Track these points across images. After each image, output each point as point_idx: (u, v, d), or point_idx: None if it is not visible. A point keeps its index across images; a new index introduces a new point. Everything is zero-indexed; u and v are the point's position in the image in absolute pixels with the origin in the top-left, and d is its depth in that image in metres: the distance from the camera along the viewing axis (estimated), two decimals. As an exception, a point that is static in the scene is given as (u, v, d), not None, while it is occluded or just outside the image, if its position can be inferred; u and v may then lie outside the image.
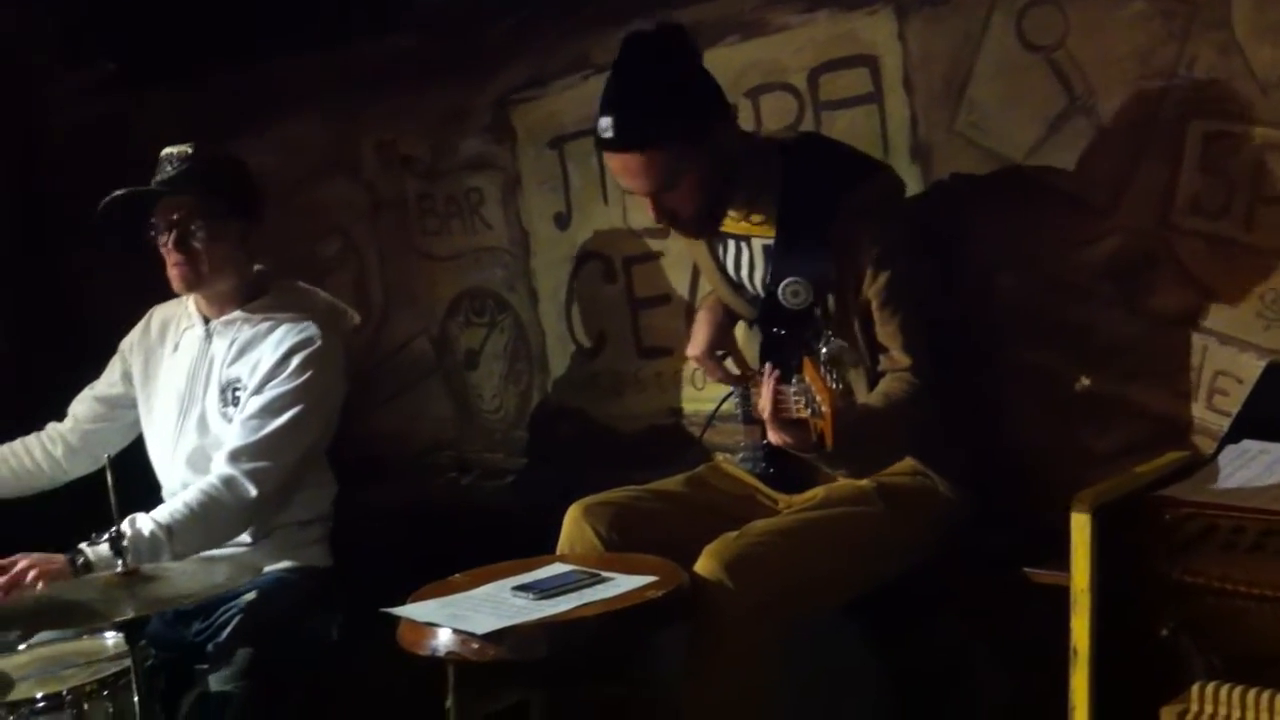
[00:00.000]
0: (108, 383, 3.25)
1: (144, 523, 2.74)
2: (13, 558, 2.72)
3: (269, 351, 2.97)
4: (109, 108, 4.38)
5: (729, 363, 2.76)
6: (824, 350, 2.15)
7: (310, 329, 2.98)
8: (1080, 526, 2.04)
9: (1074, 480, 2.41)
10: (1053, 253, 2.59)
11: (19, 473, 3.21)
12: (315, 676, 2.87)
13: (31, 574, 2.67)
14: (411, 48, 3.65)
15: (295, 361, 2.93)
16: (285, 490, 2.92)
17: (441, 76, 3.61)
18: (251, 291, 3.08)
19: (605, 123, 2.47)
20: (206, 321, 3.08)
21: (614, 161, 2.51)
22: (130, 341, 3.24)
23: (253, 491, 2.83)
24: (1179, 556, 2.06)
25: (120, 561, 2.36)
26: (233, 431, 2.92)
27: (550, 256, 3.54)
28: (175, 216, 2.95)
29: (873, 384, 2.53)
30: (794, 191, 2.56)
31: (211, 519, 2.81)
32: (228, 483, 2.83)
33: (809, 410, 2.16)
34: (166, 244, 2.96)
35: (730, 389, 2.79)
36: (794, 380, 2.21)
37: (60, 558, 2.71)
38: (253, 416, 2.90)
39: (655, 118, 2.46)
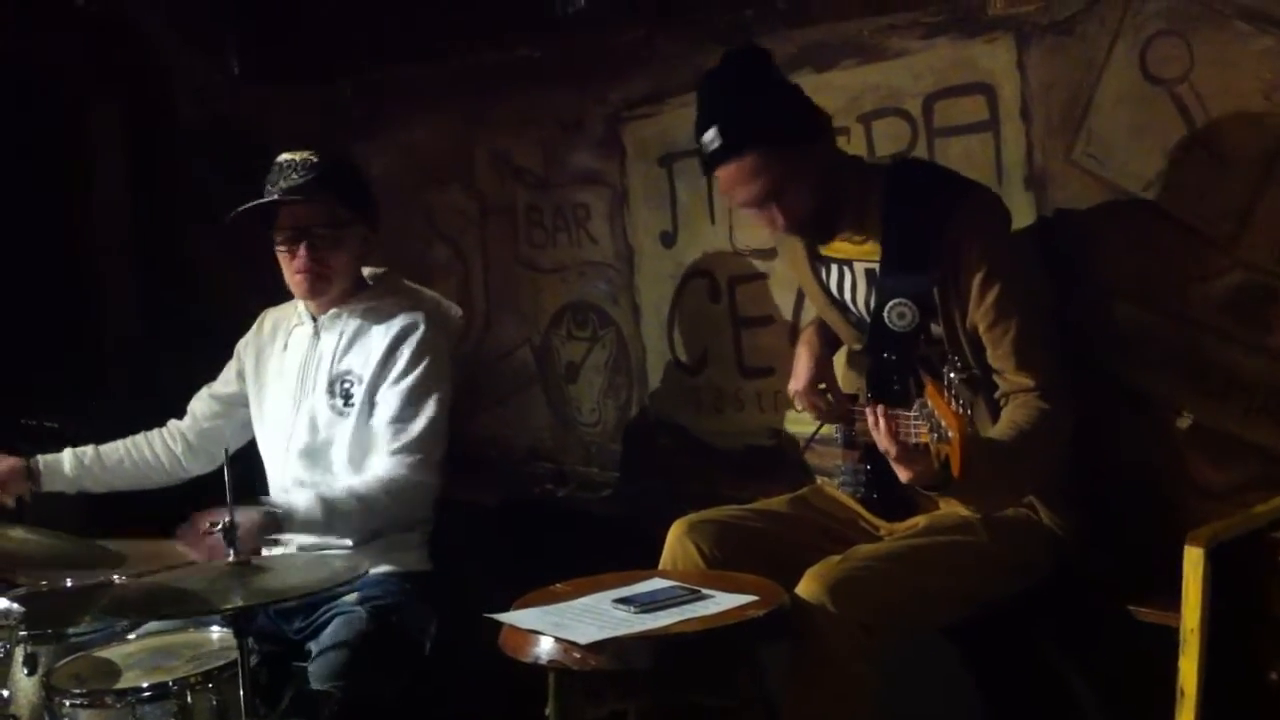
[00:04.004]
0: (223, 381, 3.34)
1: (307, 498, 2.87)
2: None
3: (377, 341, 3.04)
4: (235, 105, 4.49)
5: (830, 397, 2.75)
6: (950, 374, 2.14)
7: (414, 317, 3.06)
8: (1194, 564, 2.01)
9: (1185, 515, 2.40)
10: (1172, 284, 2.55)
11: (140, 465, 3.31)
12: (413, 678, 2.90)
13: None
14: (535, 58, 3.71)
15: (407, 352, 3.02)
16: (441, 471, 3.03)
17: (560, 88, 3.66)
18: (357, 288, 3.14)
19: (710, 135, 2.52)
20: (314, 319, 3.14)
21: (723, 175, 2.55)
22: (244, 342, 3.32)
23: (417, 479, 2.96)
24: (1293, 600, 2.03)
25: (232, 550, 2.42)
26: (382, 435, 2.99)
27: (654, 273, 3.56)
28: (305, 225, 3.01)
29: (994, 414, 2.51)
30: (896, 212, 2.56)
31: (376, 513, 2.92)
32: (392, 482, 2.93)
33: (934, 435, 2.15)
34: (295, 250, 3.02)
35: (832, 413, 2.79)
36: (915, 405, 2.20)
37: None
38: (396, 419, 2.98)
39: (758, 119, 2.50)
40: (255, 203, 3.01)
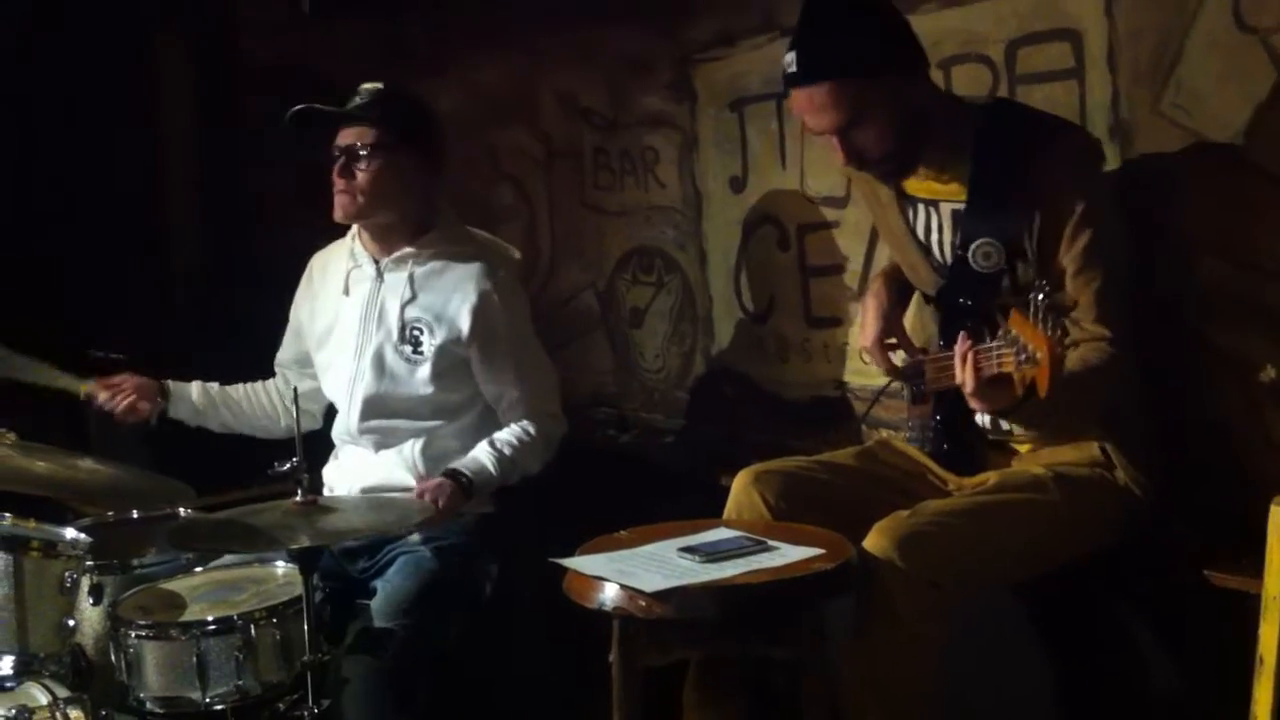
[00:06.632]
0: (285, 347, 3.34)
1: (489, 458, 2.99)
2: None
3: (453, 298, 3.02)
4: (300, 41, 4.48)
5: (896, 355, 2.71)
6: (1040, 298, 2.09)
7: (489, 275, 3.04)
8: (1277, 528, 1.97)
9: (1269, 479, 2.34)
10: (1260, 238, 2.47)
11: (258, 411, 3.32)
12: (474, 618, 2.91)
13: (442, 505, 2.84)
14: (605, -3, 3.68)
15: (500, 314, 3.03)
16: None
17: (630, 28, 3.61)
18: (418, 230, 3.10)
19: (790, 57, 2.47)
20: (376, 263, 3.11)
21: (799, 100, 2.49)
22: (298, 298, 3.31)
23: (560, 431, 3.14)
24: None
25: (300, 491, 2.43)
26: (517, 398, 3.08)
27: (723, 219, 3.52)
28: (346, 144, 2.99)
29: None
30: (988, 151, 2.50)
31: (529, 461, 3.05)
32: (545, 438, 3.08)
33: (1020, 358, 2.11)
34: (338, 164, 2.99)
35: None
36: (998, 335, 2.17)
37: (451, 484, 2.89)
38: (524, 382, 3.08)
39: (839, 48, 2.44)
40: (298, 107, 3.00)
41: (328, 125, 3.04)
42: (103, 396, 3.19)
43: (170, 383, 3.27)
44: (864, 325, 2.74)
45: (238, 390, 3.33)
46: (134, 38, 4.69)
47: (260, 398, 3.32)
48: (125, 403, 3.18)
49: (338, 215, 3.05)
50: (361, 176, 2.98)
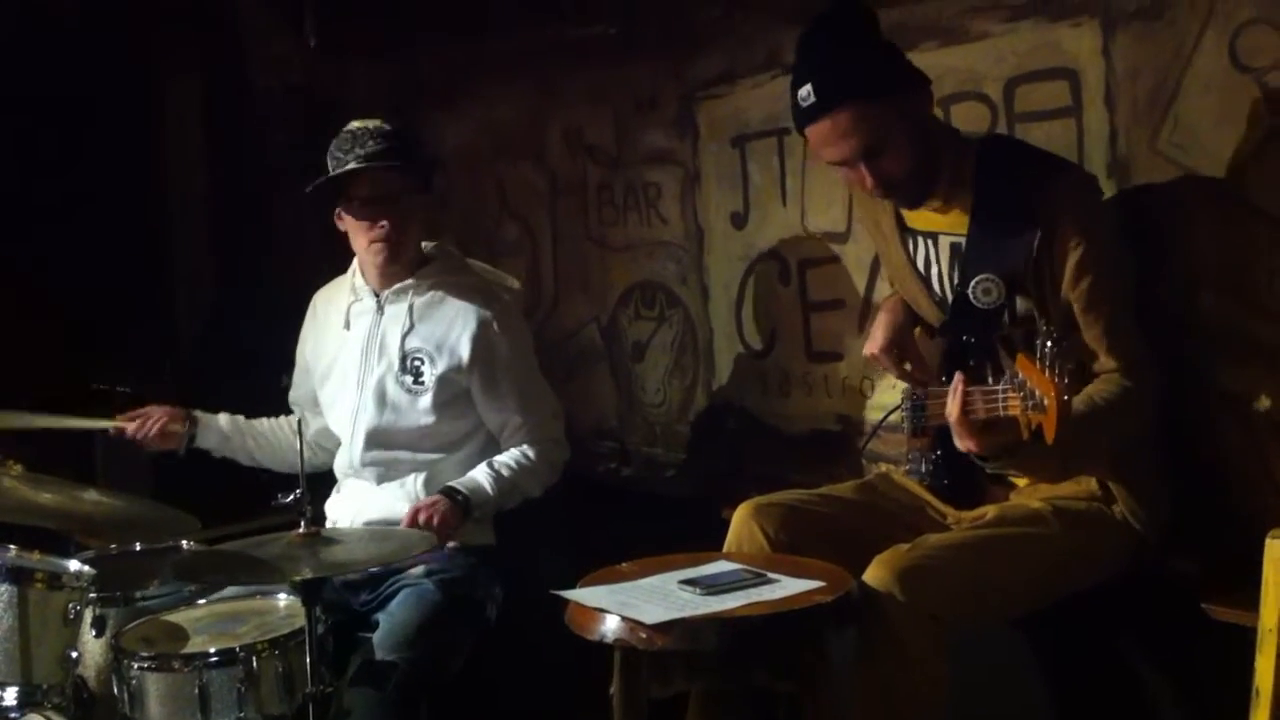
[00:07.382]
0: (299, 383, 3.36)
1: (487, 478, 3.03)
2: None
3: (453, 327, 3.06)
4: (311, 75, 4.54)
5: (907, 365, 2.72)
6: (1049, 346, 2.10)
7: (489, 304, 3.09)
8: (1275, 561, 1.98)
9: (1266, 513, 2.35)
10: (1256, 276, 2.49)
11: (281, 443, 3.34)
12: (477, 650, 2.92)
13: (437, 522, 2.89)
14: (610, 34, 3.70)
15: (502, 342, 3.07)
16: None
17: (634, 65, 3.65)
18: (418, 261, 3.15)
19: (805, 90, 2.48)
20: (376, 295, 3.14)
21: (819, 132, 2.50)
22: (303, 334, 3.34)
23: (563, 456, 3.19)
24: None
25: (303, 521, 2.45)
26: (520, 425, 3.12)
27: (724, 254, 3.55)
28: (385, 193, 3.01)
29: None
30: (988, 185, 2.53)
31: (529, 483, 3.09)
32: (548, 463, 3.13)
33: (1027, 404, 2.12)
34: (375, 220, 3.01)
35: (900, 400, 2.76)
36: (1005, 377, 2.18)
37: (446, 501, 2.93)
38: (527, 409, 3.12)
39: (853, 71, 2.47)
40: (342, 170, 2.99)
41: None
42: (131, 428, 3.23)
43: (197, 412, 3.29)
44: (872, 334, 2.75)
45: (262, 424, 3.36)
46: (145, 71, 4.73)
47: (284, 433, 3.34)
48: (157, 427, 3.21)
49: (379, 264, 3.08)
50: (402, 225, 3.03)
